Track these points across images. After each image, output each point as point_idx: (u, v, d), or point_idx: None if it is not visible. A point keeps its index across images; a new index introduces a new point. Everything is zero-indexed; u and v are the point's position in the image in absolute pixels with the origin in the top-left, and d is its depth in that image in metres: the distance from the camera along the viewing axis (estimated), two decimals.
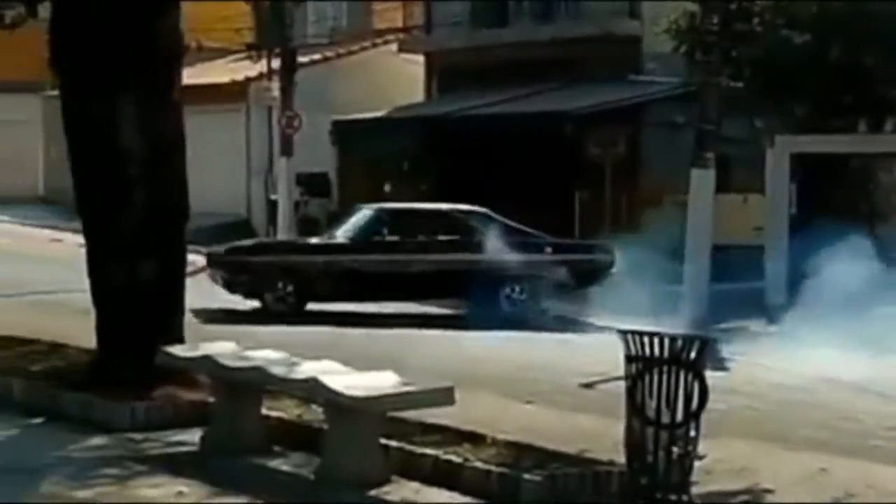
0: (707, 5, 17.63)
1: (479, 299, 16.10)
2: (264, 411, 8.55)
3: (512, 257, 16.26)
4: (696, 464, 7.14)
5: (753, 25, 18.50)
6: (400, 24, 30.03)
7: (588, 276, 16.76)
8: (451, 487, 7.50)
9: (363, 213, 17.14)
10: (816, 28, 18.63)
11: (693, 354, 6.89)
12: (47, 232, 24.04)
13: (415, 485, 7.54)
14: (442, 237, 16.63)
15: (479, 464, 7.56)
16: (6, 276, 16.41)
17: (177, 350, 8.66)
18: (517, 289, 16.43)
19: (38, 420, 9.07)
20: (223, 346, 8.53)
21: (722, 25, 17.40)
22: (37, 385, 9.63)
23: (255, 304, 16.42)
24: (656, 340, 6.90)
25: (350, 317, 15.88)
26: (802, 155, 17.98)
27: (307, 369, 7.85)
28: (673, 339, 6.91)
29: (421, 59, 27.42)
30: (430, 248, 16.38)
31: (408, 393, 7.48)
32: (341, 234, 17.02)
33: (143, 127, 9.44)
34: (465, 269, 16.15)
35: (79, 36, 9.44)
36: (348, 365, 7.95)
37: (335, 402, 7.48)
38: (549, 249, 16.98)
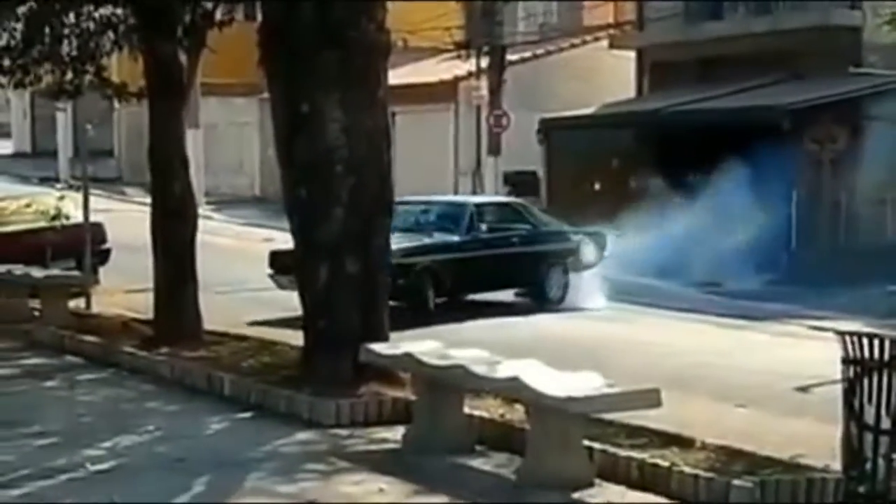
0: None
1: (534, 284, 16.84)
2: (466, 410, 8.50)
3: (559, 243, 17.21)
4: None
5: None
6: (611, 20, 29.71)
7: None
8: (656, 492, 7.29)
9: (461, 208, 17.12)
10: None
11: None
12: (261, 231, 24.70)
13: (619, 488, 7.38)
14: (515, 227, 17.05)
15: (686, 468, 7.33)
16: (223, 274, 16.87)
17: (379, 347, 8.69)
18: (563, 271, 17.05)
19: (247, 415, 9.25)
20: (425, 345, 8.51)
21: None
22: (246, 380, 9.83)
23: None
24: (876, 342, 6.56)
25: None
26: None
27: (509, 368, 7.76)
28: (894, 341, 6.55)
29: (632, 55, 27.05)
30: (513, 239, 16.75)
31: (612, 394, 7.30)
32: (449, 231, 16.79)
33: (348, 125, 9.51)
34: (533, 255, 16.71)
35: (286, 36, 9.58)
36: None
37: (538, 403, 7.36)
38: (574, 235, 17.64)
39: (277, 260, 15.34)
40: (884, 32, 19.44)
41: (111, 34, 12.17)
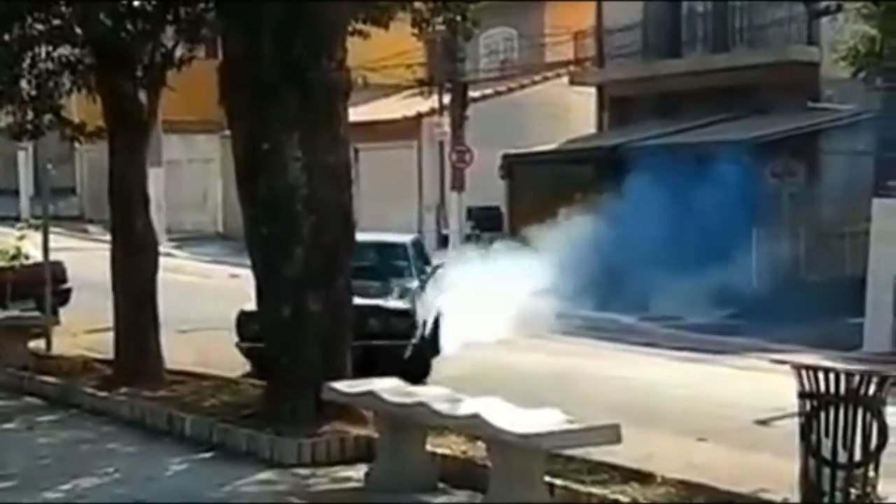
0: (888, 29, 17.03)
1: None
2: (429, 448, 8.50)
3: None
4: None
5: None
6: (571, 56, 29.95)
7: None
8: None
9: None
10: None
11: (871, 391, 6.58)
12: (225, 268, 24.63)
13: None
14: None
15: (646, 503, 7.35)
16: (185, 312, 16.80)
17: (341, 385, 8.67)
18: None
19: (208, 455, 9.20)
20: (387, 383, 8.50)
21: None
22: (207, 420, 9.79)
23: None
24: (832, 376, 6.62)
25: None
26: None
27: (471, 405, 7.76)
28: (849, 374, 6.61)
29: (593, 91, 27.26)
30: None
31: (572, 430, 7.32)
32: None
33: (309, 163, 9.54)
34: None
35: (246, 74, 9.61)
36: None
37: (498, 439, 7.36)
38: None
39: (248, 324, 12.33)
40: (840, 67, 19.68)
41: (69, 74, 12.14)
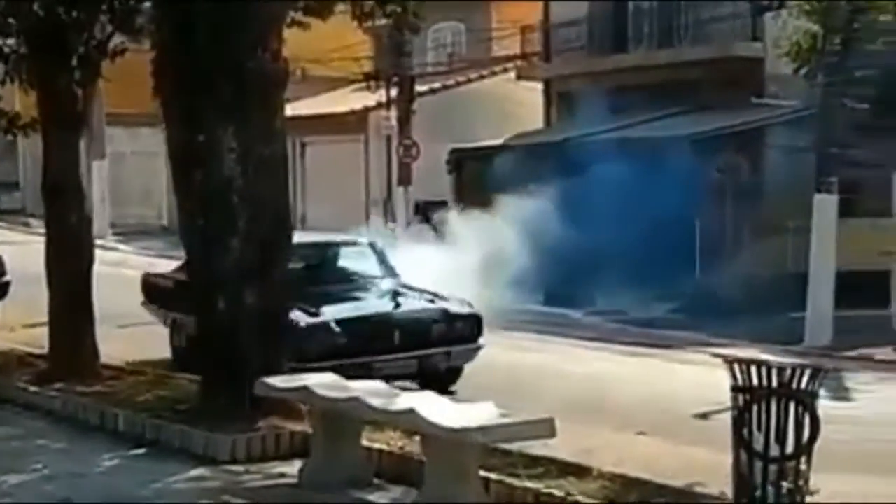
0: (829, 25, 17.15)
1: None
2: (365, 443, 8.42)
3: None
4: (809, 499, 6.81)
5: (878, 45, 17.94)
6: (518, 51, 29.93)
7: None
8: None
9: None
10: None
11: (804, 384, 6.57)
12: (169, 262, 24.35)
13: None
14: None
15: (581, 497, 7.31)
16: (125, 307, 16.58)
17: (275, 380, 8.57)
18: None
19: (140, 451, 9.08)
20: (323, 378, 8.41)
21: (844, 46, 16.90)
22: (140, 416, 9.65)
23: None
24: (764, 370, 6.60)
25: None
26: None
27: (406, 400, 7.70)
28: (781, 368, 6.59)
29: (540, 86, 27.26)
30: None
31: (507, 424, 7.26)
32: None
33: (245, 155, 9.42)
34: None
35: (180, 66, 9.48)
36: None
37: (433, 434, 7.30)
38: None
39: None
40: (783, 63, 19.80)
41: (2, 64, 11.92)
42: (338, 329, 11.46)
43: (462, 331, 12.15)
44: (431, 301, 12.43)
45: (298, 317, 11.27)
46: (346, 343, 11.36)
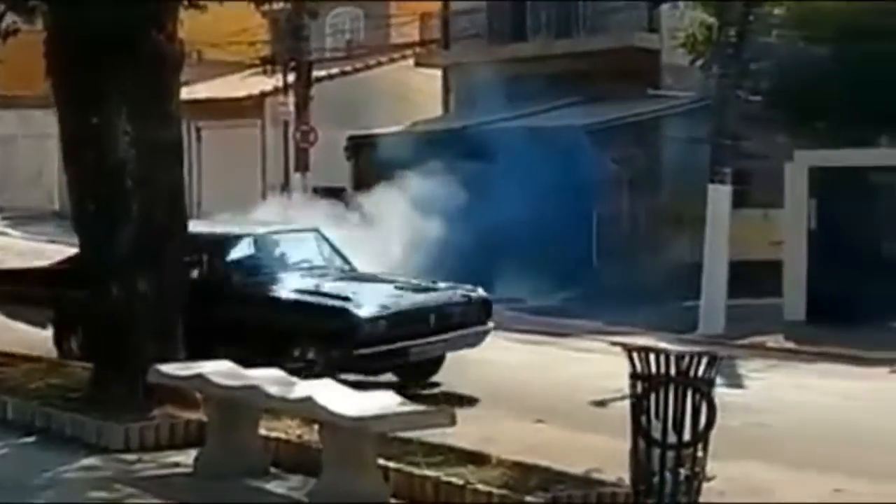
0: (724, 17, 17.36)
1: None
2: (263, 431, 8.32)
3: None
4: (708, 485, 6.88)
5: (772, 38, 18.23)
6: (417, 38, 29.87)
7: None
8: None
9: None
10: (836, 40, 18.34)
11: (701, 372, 6.63)
12: (60, 247, 23.87)
13: None
14: None
15: (480, 485, 7.31)
16: None
17: (170, 368, 8.43)
18: None
19: (30, 440, 8.87)
20: (218, 365, 8.29)
21: (739, 38, 17.13)
22: (30, 404, 9.43)
23: None
24: (662, 358, 6.65)
25: None
26: (822, 169, 17.65)
27: (304, 389, 7.61)
28: (679, 356, 6.65)
29: (438, 73, 27.22)
30: None
31: (405, 413, 7.23)
32: None
33: (137, 138, 9.23)
34: None
35: (72, 46, 9.26)
36: None
37: (331, 422, 7.23)
38: None
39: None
40: (679, 55, 20.03)
41: None
42: (386, 316, 11.36)
43: (478, 314, 12.40)
44: (452, 288, 12.62)
45: (352, 305, 11.15)
46: (392, 330, 11.29)
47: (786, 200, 17.87)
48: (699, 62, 18.85)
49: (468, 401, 11.18)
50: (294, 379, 7.95)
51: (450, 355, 13.11)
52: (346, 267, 12.99)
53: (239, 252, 12.24)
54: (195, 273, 11.47)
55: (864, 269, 16.68)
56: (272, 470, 8.02)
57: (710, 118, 17.90)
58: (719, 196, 16.98)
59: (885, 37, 17.74)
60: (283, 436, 8.44)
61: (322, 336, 11.03)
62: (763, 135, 19.19)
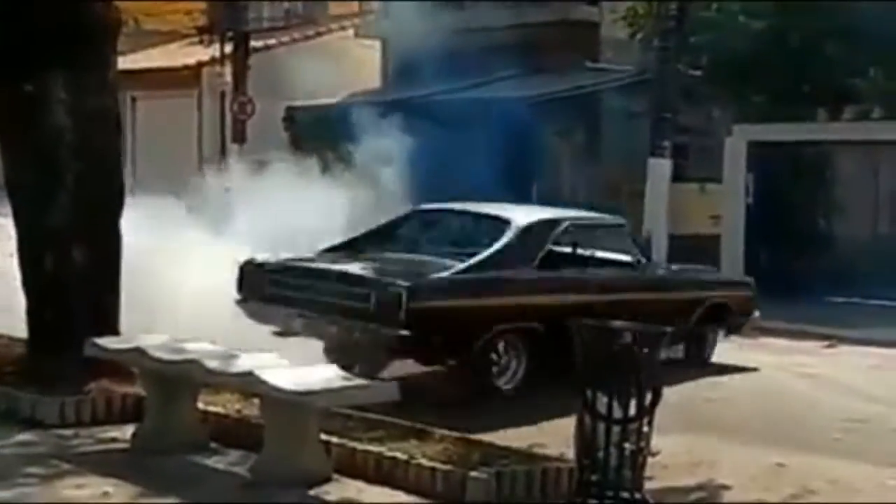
0: None
1: None
2: (202, 406, 8.19)
3: None
4: (653, 459, 6.87)
5: (711, 12, 18.28)
6: (356, 8, 29.63)
7: None
8: (395, 486, 7.18)
9: None
10: (775, 15, 18.42)
11: (646, 347, 6.60)
12: None
13: (358, 483, 7.22)
14: None
15: (424, 460, 7.24)
16: None
17: (107, 342, 8.26)
18: None
19: None
20: (157, 338, 8.14)
21: (679, 12, 17.17)
22: None
23: None
24: (608, 333, 6.61)
25: None
26: (761, 144, 17.76)
27: (245, 363, 7.50)
28: (625, 330, 6.61)
29: (378, 44, 27.03)
30: None
31: (348, 387, 7.14)
32: None
33: (73, 107, 9.02)
34: None
35: (5, 13, 9.01)
36: None
37: (273, 397, 7.13)
38: None
39: None
40: (619, 28, 20.05)
41: None
42: None
43: None
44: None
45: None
46: None
47: (724, 175, 17.97)
48: (639, 36, 18.87)
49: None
50: (234, 352, 7.82)
51: None
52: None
53: None
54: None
55: (801, 244, 16.82)
56: (212, 445, 7.90)
57: (650, 92, 17.95)
58: (659, 170, 17.06)
59: (823, 12, 17.86)
60: (222, 410, 8.32)
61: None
62: (702, 109, 19.28)
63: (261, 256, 10.98)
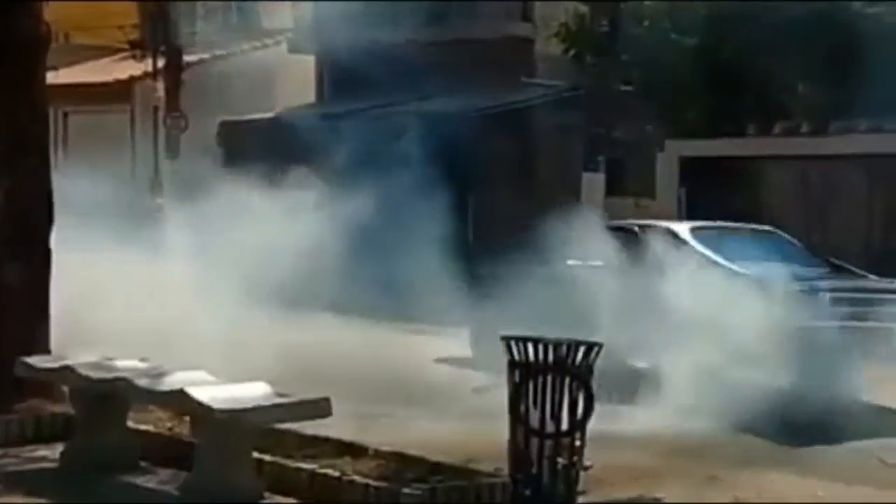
0: (596, 7, 17.54)
1: None
2: (132, 425, 8.10)
3: None
4: (583, 473, 6.89)
5: (643, 28, 18.47)
6: (290, 23, 29.53)
7: None
8: (328, 502, 7.14)
9: None
10: (706, 32, 18.65)
11: (578, 360, 6.63)
12: None
13: (290, 501, 7.17)
14: None
15: (357, 477, 7.21)
16: None
17: (36, 360, 8.16)
18: None
19: None
20: (88, 357, 8.04)
21: (611, 28, 17.32)
22: None
23: None
24: (540, 346, 6.63)
25: None
26: (692, 159, 17.95)
27: (175, 380, 7.43)
28: (557, 344, 6.63)
29: (312, 59, 26.97)
30: None
31: (280, 405, 7.10)
32: None
33: (3, 122, 8.90)
34: None
35: None
36: None
37: (204, 415, 7.07)
38: None
39: None
40: (553, 44, 20.17)
41: None
42: None
43: None
44: None
45: None
46: None
47: (657, 189, 18.13)
48: (572, 52, 19.01)
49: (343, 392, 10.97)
50: (166, 369, 7.74)
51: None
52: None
53: None
54: None
55: None
56: (142, 464, 7.82)
57: (583, 108, 18.08)
58: (593, 184, 17.16)
59: (751, 29, 18.09)
60: (152, 429, 8.24)
61: None
62: (635, 125, 19.45)
63: None
